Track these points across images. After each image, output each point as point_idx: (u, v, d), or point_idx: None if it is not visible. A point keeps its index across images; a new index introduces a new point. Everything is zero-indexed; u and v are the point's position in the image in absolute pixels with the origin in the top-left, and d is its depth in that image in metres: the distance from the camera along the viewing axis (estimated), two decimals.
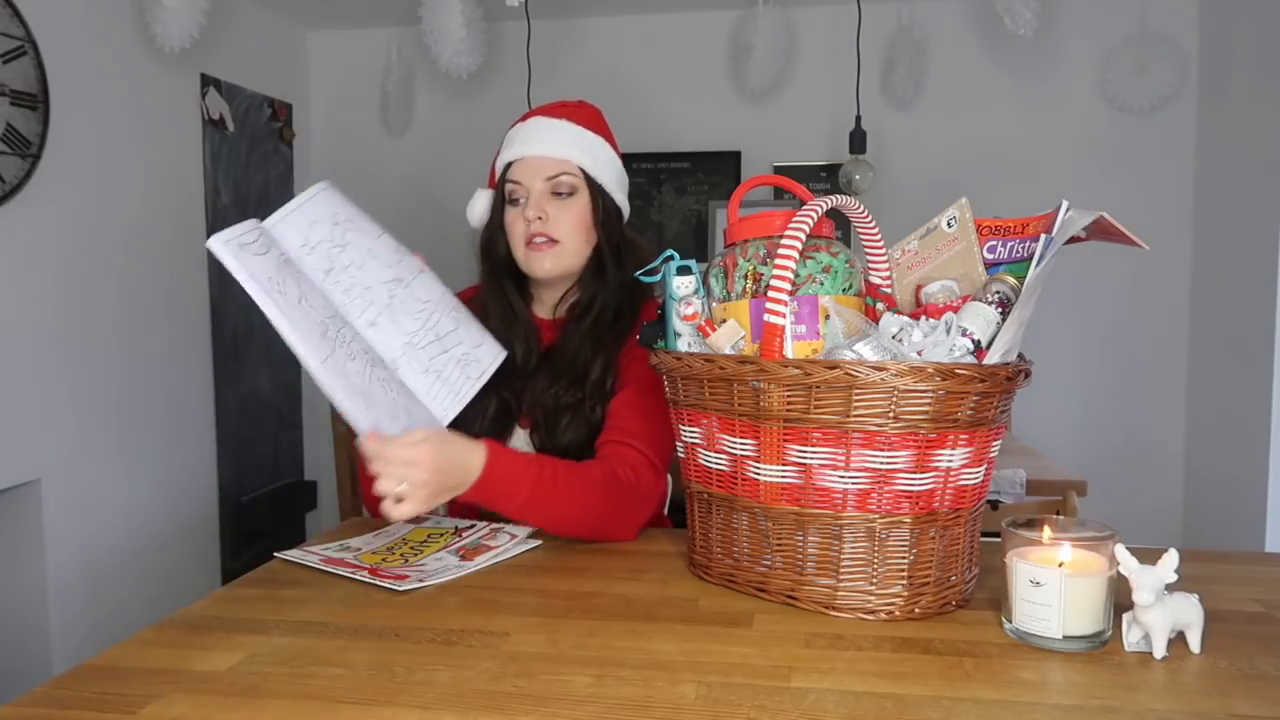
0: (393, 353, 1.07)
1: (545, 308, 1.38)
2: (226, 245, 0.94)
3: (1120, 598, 0.82)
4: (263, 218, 1.02)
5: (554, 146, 1.29)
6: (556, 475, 1.09)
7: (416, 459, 0.96)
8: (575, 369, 1.27)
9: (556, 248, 1.29)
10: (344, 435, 2.35)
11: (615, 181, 1.35)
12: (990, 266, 1.00)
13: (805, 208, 0.91)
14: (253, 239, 0.97)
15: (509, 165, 1.32)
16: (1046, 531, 0.85)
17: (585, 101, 1.39)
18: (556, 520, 1.11)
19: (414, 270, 1.15)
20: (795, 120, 3.25)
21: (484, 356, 1.18)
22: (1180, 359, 3.09)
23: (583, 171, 1.30)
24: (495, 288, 1.35)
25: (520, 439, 1.30)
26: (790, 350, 0.93)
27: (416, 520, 1.24)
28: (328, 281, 1.05)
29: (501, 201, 1.33)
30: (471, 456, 1.03)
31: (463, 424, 1.28)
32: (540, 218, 1.28)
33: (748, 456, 0.94)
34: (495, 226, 1.35)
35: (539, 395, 1.27)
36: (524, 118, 1.36)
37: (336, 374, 0.95)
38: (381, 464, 0.96)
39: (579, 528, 1.13)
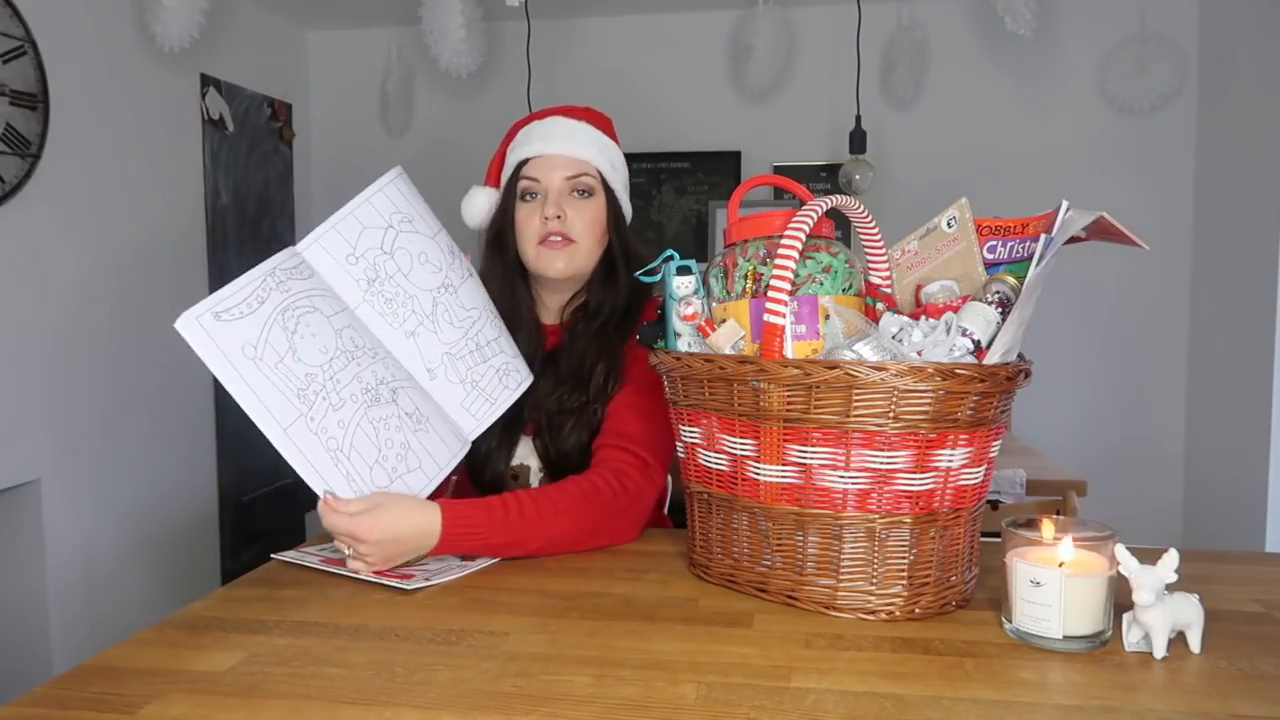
0: (431, 362, 1.10)
1: (549, 312, 1.37)
2: (198, 321, 0.93)
3: (1120, 598, 0.82)
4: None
5: (575, 147, 1.29)
6: (523, 511, 1.08)
7: (355, 530, 0.98)
8: (580, 373, 1.26)
9: (571, 247, 1.28)
10: None
11: (624, 190, 1.36)
12: (990, 266, 1.00)
13: (805, 208, 0.91)
14: (236, 301, 0.96)
15: (525, 162, 1.30)
16: (1046, 531, 0.85)
17: (594, 108, 1.38)
18: (538, 549, 1.10)
19: (463, 274, 1.16)
20: (795, 120, 3.25)
21: (522, 366, 1.19)
22: (1180, 359, 3.09)
23: (600, 175, 1.30)
24: (505, 287, 1.33)
25: (524, 445, 1.29)
26: (790, 350, 0.93)
27: None
28: (369, 293, 1.07)
29: (512, 198, 1.31)
30: (425, 524, 1.02)
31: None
32: (559, 216, 1.26)
33: (748, 456, 0.94)
34: (505, 223, 1.32)
35: (541, 400, 1.26)
36: (539, 116, 1.34)
37: (302, 436, 0.97)
38: (329, 529, 1.00)
39: (566, 546, 1.12)
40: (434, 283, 1.11)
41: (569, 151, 1.28)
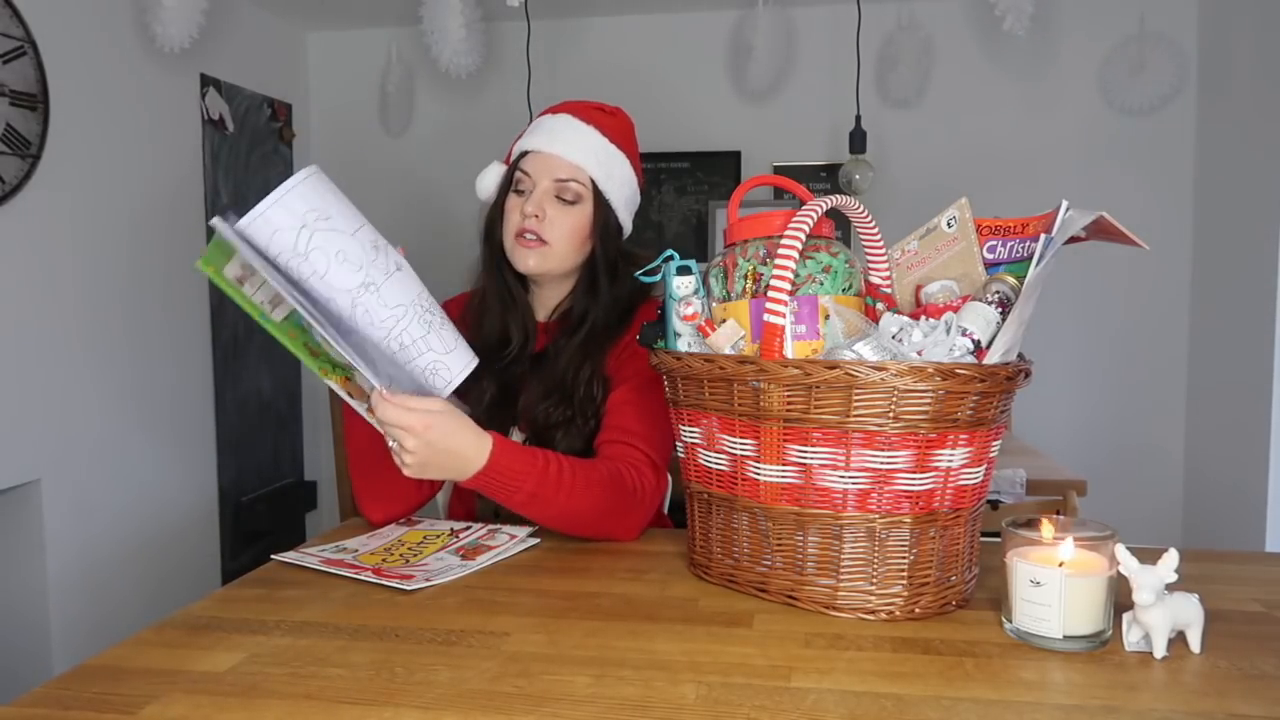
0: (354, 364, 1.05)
1: (543, 309, 1.37)
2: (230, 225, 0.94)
3: (1120, 598, 0.82)
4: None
5: (572, 150, 1.27)
6: (561, 473, 1.09)
7: (410, 423, 0.98)
8: (564, 385, 1.26)
9: (544, 248, 1.27)
10: (343, 436, 2.34)
11: (624, 201, 1.33)
12: (990, 266, 1.00)
13: (805, 208, 0.91)
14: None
15: (524, 154, 1.30)
16: (1046, 531, 0.85)
17: (621, 110, 1.36)
18: (558, 517, 1.11)
19: (387, 270, 1.09)
20: (795, 120, 3.25)
21: (453, 364, 1.10)
22: (1180, 359, 3.09)
23: (592, 183, 1.28)
24: (494, 272, 1.34)
25: (518, 434, 1.29)
26: (790, 350, 0.93)
27: (410, 523, 1.24)
28: (288, 295, 1.04)
29: (506, 187, 1.32)
30: (476, 449, 1.04)
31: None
32: (536, 215, 1.26)
33: (748, 456, 0.94)
34: (496, 210, 1.33)
35: (531, 406, 1.27)
36: (555, 109, 1.34)
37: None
38: (380, 420, 0.99)
39: (580, 526, 1.13)
40: (354, 282, 1.07)
41: (565, 154, 1.27)
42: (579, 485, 1.10)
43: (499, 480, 1.06)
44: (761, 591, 0.96)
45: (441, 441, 1.00)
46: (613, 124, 1.33)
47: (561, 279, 1.33)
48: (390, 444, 1.02)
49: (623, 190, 1.32)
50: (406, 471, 1.02)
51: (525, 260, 1.28)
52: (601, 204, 1.29)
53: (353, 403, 1.10)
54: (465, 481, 1.06)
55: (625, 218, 1.34)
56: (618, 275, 1.31)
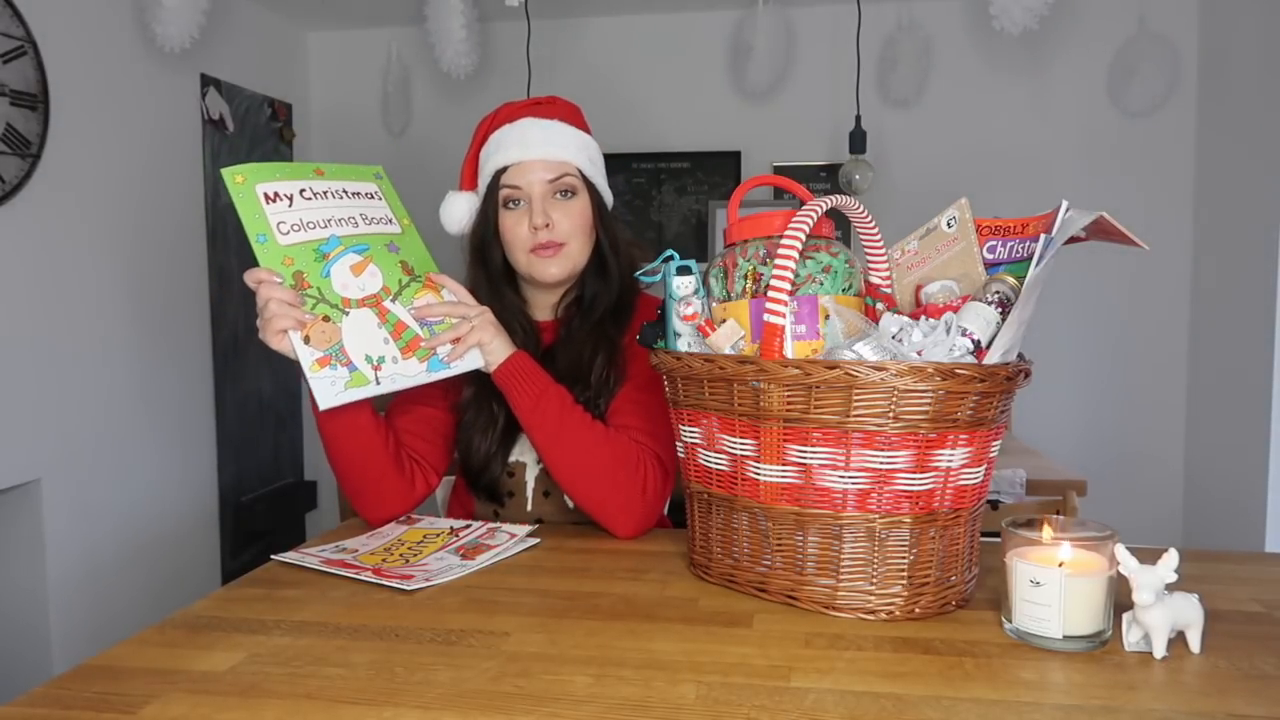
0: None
1: (543, 310, 1.37)
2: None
3: (1120, 598, 0.82)
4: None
5: (552, 149, 1.27)
6: (576, 411, 1.17)
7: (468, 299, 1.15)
8: (580, 367, 1.27)
9: (563, 252, 1.28)
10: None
11: (603, 179, 1.36)
12: (990, 266, 1.00)
13: (805, 208, 0.91)
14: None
15: (504, 170, 1.28)
16: (1046, 531, 0.85)
17: (559, 97, 1.37)
18: (558, 451, 1.16)
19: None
20: (795, 120, 3.25)
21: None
22: (1180, 359, 3.09)
23: (580, 172, 1.29)
24: (493, 295, 1.31)
25: (522, 441, 1.29)
26: (790, 350, 0.93)
27: (409, 521, 1.24)
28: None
29: (494, 206, 1.30)
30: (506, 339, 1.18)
31: (471, 432, 1.28)
32: (546, 224, 1.26)
33: (748, 456, 0.94)
34: (489, 233, 1.31)
35: None
36: (508, 118, 1.31)
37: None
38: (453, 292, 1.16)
39: (576, 472, 1.16)
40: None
41: (545, 155, 1.27)
42: (598, 430, 1.17)
43: (523, 376, 1.16)
44: (761, 591, 0.96)
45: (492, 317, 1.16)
46: (566, 111, 1.34)
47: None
48: (453, 321, 1.15)
49: (600, 169, 1.35)
50: (478, 338, 1.14)
51: (547, 270, 1.28)
52: (593, 190, 1.32)
53: (304, 352, 1.06)
54: (497, 368, 1.16)
55: (609, 195, 1.37)
56: (619, 251, 1.33)
